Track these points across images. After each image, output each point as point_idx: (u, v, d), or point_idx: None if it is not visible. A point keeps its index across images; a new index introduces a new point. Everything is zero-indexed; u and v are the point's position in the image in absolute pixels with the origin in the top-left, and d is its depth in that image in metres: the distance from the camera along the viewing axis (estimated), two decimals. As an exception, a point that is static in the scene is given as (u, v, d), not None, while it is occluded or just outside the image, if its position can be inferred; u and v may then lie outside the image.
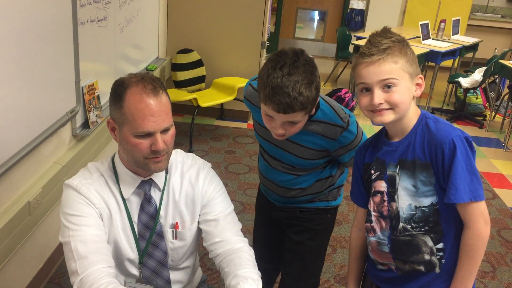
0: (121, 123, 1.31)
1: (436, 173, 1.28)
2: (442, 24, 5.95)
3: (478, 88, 5.43)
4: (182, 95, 4.17)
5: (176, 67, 4.41)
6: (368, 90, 1.27)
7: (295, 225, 1.85)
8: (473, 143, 1.27)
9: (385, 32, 1.29)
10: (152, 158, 1.32)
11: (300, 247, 1.86)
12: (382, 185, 1.39)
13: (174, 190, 1.45)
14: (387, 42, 1.25)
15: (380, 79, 1.24)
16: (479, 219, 1.26)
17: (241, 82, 4.37)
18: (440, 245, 1.35)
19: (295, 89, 1.34)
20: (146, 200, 1.42)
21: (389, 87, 1.25)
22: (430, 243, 1.36)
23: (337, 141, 1.58)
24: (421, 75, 1.32)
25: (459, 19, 6.21)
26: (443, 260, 1.36)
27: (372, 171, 1.42)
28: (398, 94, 1.25)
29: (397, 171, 1.35)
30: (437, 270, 1.37)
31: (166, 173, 1.46)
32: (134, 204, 1.42)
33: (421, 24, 5.65)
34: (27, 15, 1.91)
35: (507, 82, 5.52)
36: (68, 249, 1.29)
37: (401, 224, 1.37)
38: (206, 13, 4.49)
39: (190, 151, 4.07)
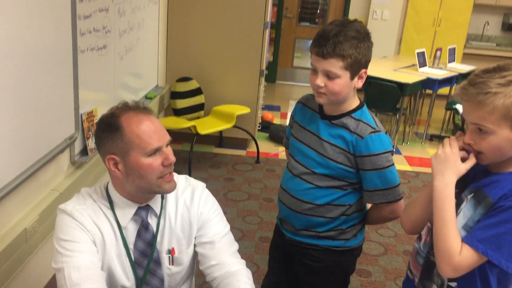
0: (126, 151, 1.31)
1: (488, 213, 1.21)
2: (438, 52, 6.03)
3: None
4: (181, 123, 4.18)
5: (175, 95, 4.44)
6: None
7: (306, 264, 1.76)
8: None
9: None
10: (165, 177, 1.34)
11: None
12: None
13: (170, 215, 1.44)
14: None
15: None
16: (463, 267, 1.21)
17: (240, 110, 4.39)
18: (453, 284, 1.31)
19: (338, 35, 1.44)
20: (143, 227, 1.40)
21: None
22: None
23: (363, 140, 1.55)
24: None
25: (455, 48, 6.29)
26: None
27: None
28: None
29: (468, 196, 1.29)
30: None
31: (162, 198, 1.45)
32: (131, 231, 1.40)
33: (417, 52, 5.72)
34: (27, 41, 1.93)
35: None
36: (61, 276, 1.27)
37: None
38: (205, 42, 4.55)
39: (189, 178, 4.05)
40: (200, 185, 1.52)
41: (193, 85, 4.55)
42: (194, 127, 4.10)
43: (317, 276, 1.77)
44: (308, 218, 1.68)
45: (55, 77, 2.20)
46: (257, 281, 2.20)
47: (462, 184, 1.32)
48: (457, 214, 1.28)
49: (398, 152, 5.27)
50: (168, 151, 1.35)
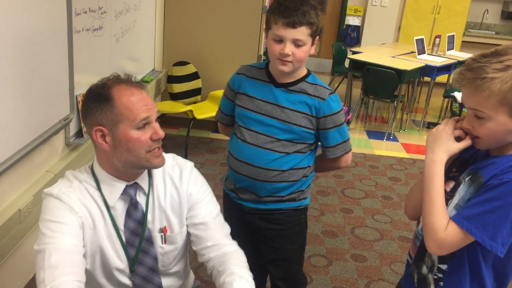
0: (116, 123, 1.28)
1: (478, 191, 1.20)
2: (437, 39, 6.00)
3: None
4: (178, 107, 4.16)
5: (172, 79, 4.41)
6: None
7: (272, 229, 1.83)
8: None
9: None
10: (153, 151, 1.32)
11: (281, 253, 1.87)
12: (450, 185, 1.32)
13: (158, 193, 1.42)
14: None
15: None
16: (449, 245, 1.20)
17: (237, 95, 4.37)
18: (444, 266, 1.30)
19: (303, 4, 1.57)
20: (133, 205, 1.38)
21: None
22: (435, 257, 1.31)
23: (325, 102, 1.68)
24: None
25: (454, 35, 6.26)
26: (441, 283, 1.31)
27: (454, 170, 1.34)
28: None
29: (466, 178, 1.27)
30: None
31: (149, 176, 1.42)
32: (119, 211, 1.37)
33: (416, 39, 5.70)
34: (21, 21, 1.90)
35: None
36: (40, 257, 1.23)
37: None
38: (203, 26, 4.51)
39: (185, 163, 4.04)
40: (188, 164, 1.50)
41: (190, 69, 4.52)
42: (191, 111, 4.08)
43: (283, 238, 1.85)
44: (273, 184, 1.74)
45: (50, 57, 2.18)
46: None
47: (462, 167, 1.31)
48: (453, 196, 1.27)
49: (395, 139, 5.27)
50: (157, 126, 1.34)
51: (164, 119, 4.73)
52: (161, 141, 1.35)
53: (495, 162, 1.22)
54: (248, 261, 1.59)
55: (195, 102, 4.53)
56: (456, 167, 1.33)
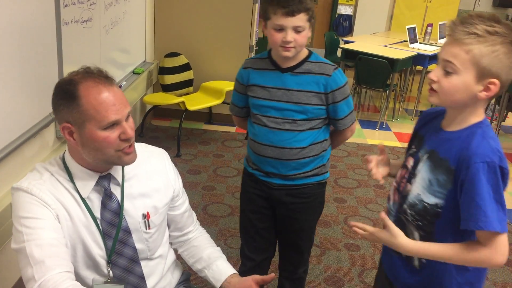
0: (82, 122, 1.24)
1: (455, 183, 1.24)
2: (429, 28, 5.99)
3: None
4: (170, 99, 4.14)
5: (163, 70, 4.38)
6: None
7: (297, 203, 1.95)
8: (508, 173, 1.21)
9: None
10: (123, 150, 1.29)
11: (304, 224, 2.02)
12: (410, 163, 1.39)
13: (136, 181, 1.41)
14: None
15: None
16: (503, 251, 1.21)
17: (229, 86, 4.34)
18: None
19: None
20: (107, 196, 1.35)
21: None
22: (417, 238, 1.35)
23: (331, 77, 1.78)
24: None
25: (445, 24, 6.26)
26: (423, 260, 1.35)
27: (413, 146, 1.42)
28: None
29: (424, 157, 1.34)
30: (416, 264, 1.38)
31: (122, 166, 1.41)
32: (95, 202, 1.34)
33: (408, 28, 5.69)
34: (7, 12, 1.88)
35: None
36: (23, 256, 1.20)
37: (405, 206, 1.37)
38: (194, 17, 4.48)
39: (178, 155, 4.03)
40: (164, 154, 1.54)
41: (181, 60, 4.49)
42: (183, 103, 4.06)
43: (307, 210, 2.00)
44: (296, 161, 1.86)
45: (38, 49, 2.15)
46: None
47: (420, 143, 1.38)
48: (415, 174, 1.35)
49: (388, 128, 5.28)
50: (128, 125, 1.28)
51: (156, 111, 4.71)
52: (132, 140, 1.30)
53: (450, 139, 1.28)
54: (266, 234, 2.05)
55: (187, 94, 4.51)
56: (414, 144, 1.41)
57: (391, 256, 1.46)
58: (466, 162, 1.20)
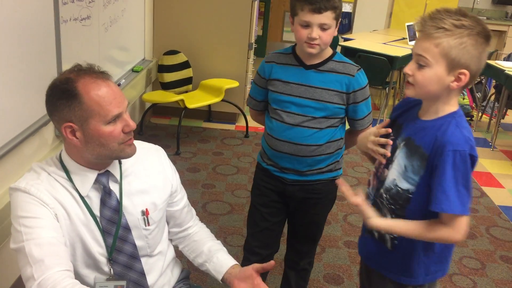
0: (85, 119, 1.24)
1: (428, 168, 1.33)
2: (429, 25, 5.98)
3: (464, 89, 5.45)
4: (169, 97, 4.14)
5: (162, 68, 4.37)
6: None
7: (310, 198, 1.98)
8: (477, 160, 1.32)
9: None
10: (126, 142, 1.31)
11: (315, 217, 2.06)
12: (389, 149, 1.45)
13: (134, 178, 1.42)
14: None
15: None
16: (461, 230, 1.31)
17: (229, 84, 4.35)
18: None
19: None
20: (106, 193, 1.36)
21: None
22: (389, 218, 1.44)
23: (355, 77, 1.81)
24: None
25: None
26: (395, 241, 1.45)
27: (392, 134, 1.47)
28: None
29: (401, 144, 1.41)
30: (389, 246, 1.46)
31: (120, 163, 1.41)
32: (94, 200, 1.35)
33: (407, 26, 5.68)
34: (6, 10, 1.87)
35: (493, 82, 5.56)
36: (22, 255, 1.21)
37: (381, 190, 1.47)
38: (193, 15, 4.47)
39: (177, 153, 4.03)
40: (161, 150, 1.55)
41: (181, 58, 4.48)
42: (182, 101, 4.05)
43: (319, 205, 2.03)
44: (313, 158, 1.89)
45: (37, 47, 2.14)
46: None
47: (398, 131, 1.45)
48: (392, 160, 1.43)
49: (387, 126, 5.27)
50: (128, 117, 1.31)
51: (155, 109, 4.71)
52: (133, 132, 1.33)
53: (425, 128, 1.36)
54: (276, 229, 2.09)
55: (186, 92, 4.51)
56: (393, 131, 1.47)
57: (365, 238, 1.56)
58: (440, 149, 1.29)
